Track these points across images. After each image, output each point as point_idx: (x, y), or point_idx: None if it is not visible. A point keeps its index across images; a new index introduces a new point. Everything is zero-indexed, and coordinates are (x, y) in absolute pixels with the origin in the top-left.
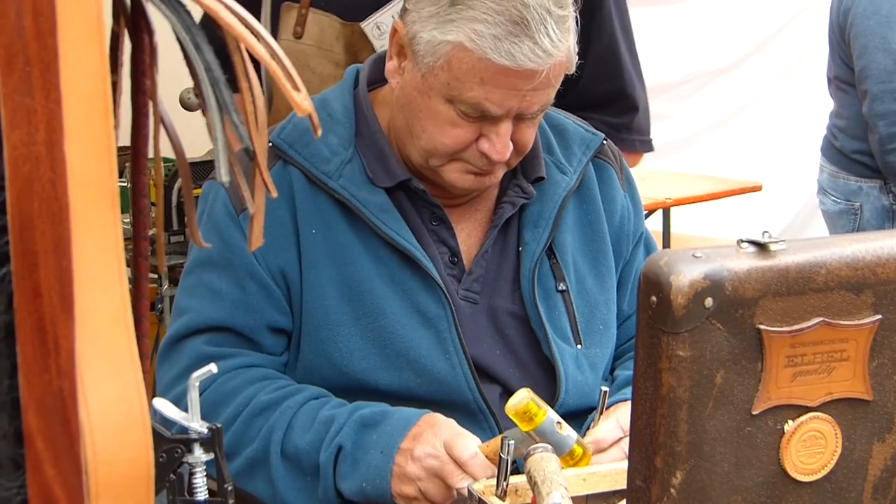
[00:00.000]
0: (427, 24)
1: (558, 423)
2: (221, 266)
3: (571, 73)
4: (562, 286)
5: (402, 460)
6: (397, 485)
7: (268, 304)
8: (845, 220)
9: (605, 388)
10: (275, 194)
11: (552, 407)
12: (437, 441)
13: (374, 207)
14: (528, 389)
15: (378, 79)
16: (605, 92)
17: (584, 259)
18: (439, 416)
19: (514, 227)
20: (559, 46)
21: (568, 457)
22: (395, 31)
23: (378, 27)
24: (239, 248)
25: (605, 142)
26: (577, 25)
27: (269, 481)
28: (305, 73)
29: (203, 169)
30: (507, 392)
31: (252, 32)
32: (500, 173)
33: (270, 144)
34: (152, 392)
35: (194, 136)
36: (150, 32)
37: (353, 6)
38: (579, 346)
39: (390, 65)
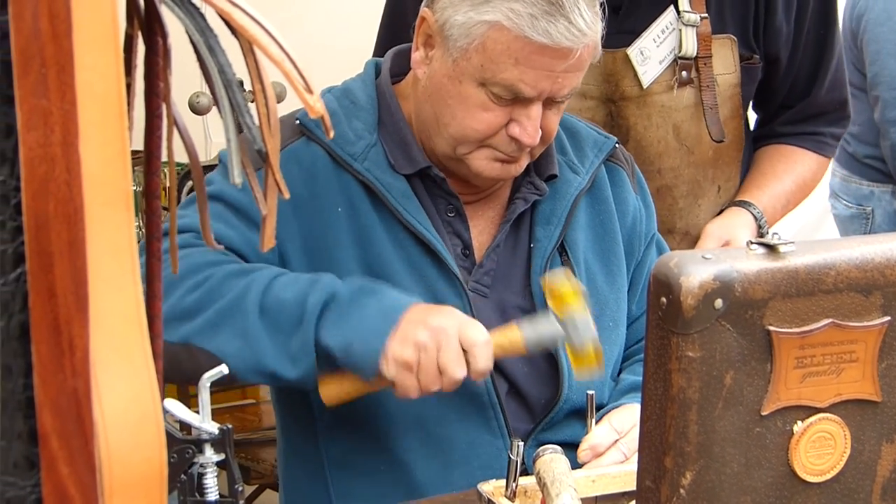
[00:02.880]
0: (461, 6)
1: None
2: (234, 208)
3: (596, 60)
4: None
5: (412, 325)
6: (396, 346)
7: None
8: (857, 224)
9: (590, 392)
10: (287, 196)
11: (554, 405)
12: (454, 321)
13: (396, 192)
14: (567, 270)
15: (398, 73)
16: (831, 101)
17: (595, 258)
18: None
19: (527, 224)
20: (592, 27)
21: (577, 354)
22: (422, 20)
23: (641, 52)
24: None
25: (617, 145)
26: (813, 35)
27: (237, 334)
28: None
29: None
30: (514, 388)
31: (267, 33)
32: (524, 162)
33: (297, 122)
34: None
35: (203, 140)
36: (164, 35)
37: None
38: None
39: (417, 55)
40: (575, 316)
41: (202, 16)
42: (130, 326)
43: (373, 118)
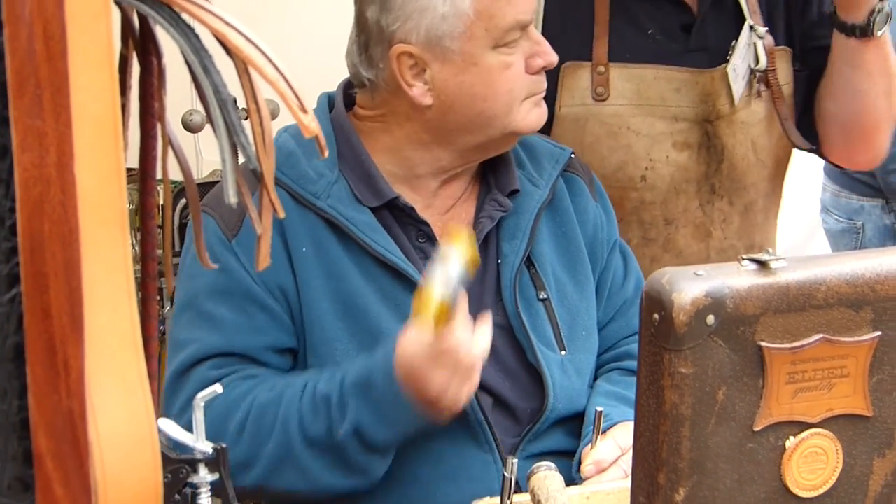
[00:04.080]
0: (432, 8)
1: (432, 275)
2: (219, 293)
3: None
4: (543, 295)
5: (429, 408)
6: (432, 412)
7: (271, 325)
8: (848, 238)
9: (600, 409)
10: (282, 215)
11: (541, 416)
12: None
13: (362, 225)
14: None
15: (350, 104)
16: None
17: (563, 268)
18: (396, 353)
19: (493, 241)
20: None
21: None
22: (399, 58)
23: (735, 69)
24: (237, 273)
25: (572, 155)
26: None
27: (299, 471)
28: (625, 137)
29: (205, 191)
30: (499, 401)
31: (261, 53)
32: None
33: (252, 170)
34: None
35: (195, 157)
36: (159, 55)
37: (666, 52)
38: (563, 353)
39: (415, 91)
40: (449, 266)
41: (197, 36)
42: (126, 347)
43: (332, 153)
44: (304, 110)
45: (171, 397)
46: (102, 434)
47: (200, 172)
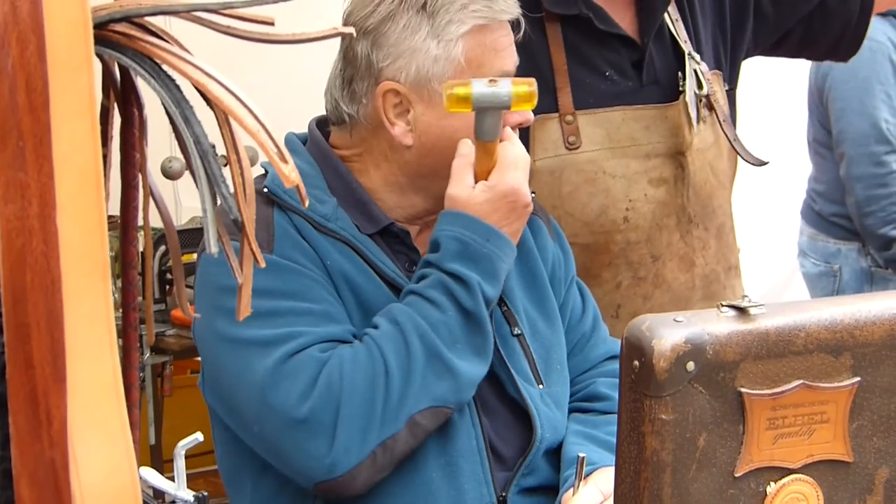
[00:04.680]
0: (421, 49)
1: (490, 80)
2: (290, 293)
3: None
4: (516, 331)
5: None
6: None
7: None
8: (825, 282)
9: (582, 455)
10: (263, 264)
11: (530, 449)
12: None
13: (370, 248)
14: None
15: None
16: None
17: (532, 304)
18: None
19: None
20: None
21: (519, 101)
22: (385, 95)
23: (691, 99)
24: (303, 270)
25: (533, 195)
26: None
27: (448, 371)
28: (602, 182)
29: (186, 237)
30: (488, 438)
31: (242, 104)
32: None
33: (266, 190)
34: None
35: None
36: (140, 107)
37: (625, 92)
38: (541, 387)
39: (397, 130)
40: (486, 95)
41: (178, 87)
42: (108, 397)
43: (323, 184)
44: (285, 160)
45: (280, 383)
46: (84, 484)
47: (179, 219)
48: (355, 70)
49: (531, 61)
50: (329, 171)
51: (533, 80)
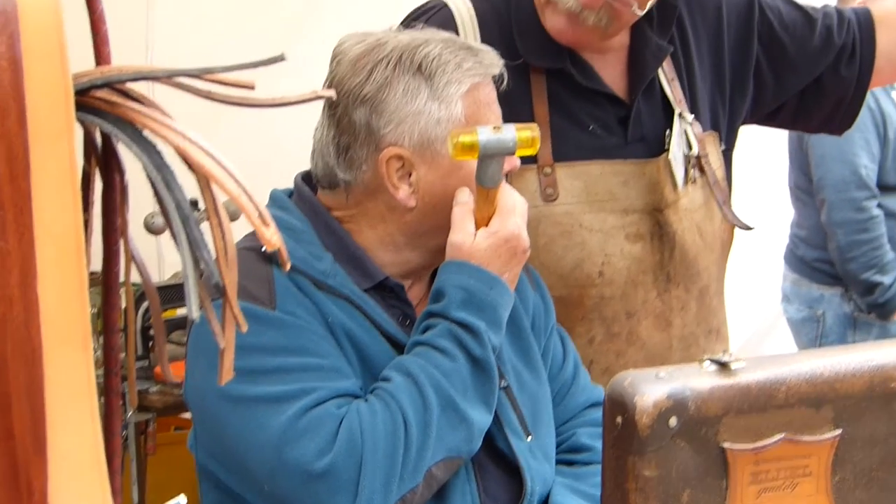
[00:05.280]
0: (424, 111)
1: (494, 127)
2: (301, 349)
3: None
4: (503, 383)
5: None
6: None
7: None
8: (808, 327)
9: None
10: (245, 328)
11: (521, 502)
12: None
13: (368, 304)
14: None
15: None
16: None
17: (517, 356)
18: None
19: None
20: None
21: (523, 146)
22: (389, 161)
23: (675, 157)
24: (309, 324)
25: None
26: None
27: (462, 421)
28: (578, 235)
29: (168, 293)
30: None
31: (222, 168)
32: None
33: (263, 250)
34: None
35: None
36: (121, 172)
37: (608, 146)
38: (529, 438)
39: (401, 193)
40: (492, 142)
41: (158, 153)
42: (90, 467)
43: (317, 240)
44: (266, 224)
45: (300, 439)
46: None
47: (162, 275)
48: (353, 137)
49: (513, 112)
50: (321, 227)
51: (535, 125)
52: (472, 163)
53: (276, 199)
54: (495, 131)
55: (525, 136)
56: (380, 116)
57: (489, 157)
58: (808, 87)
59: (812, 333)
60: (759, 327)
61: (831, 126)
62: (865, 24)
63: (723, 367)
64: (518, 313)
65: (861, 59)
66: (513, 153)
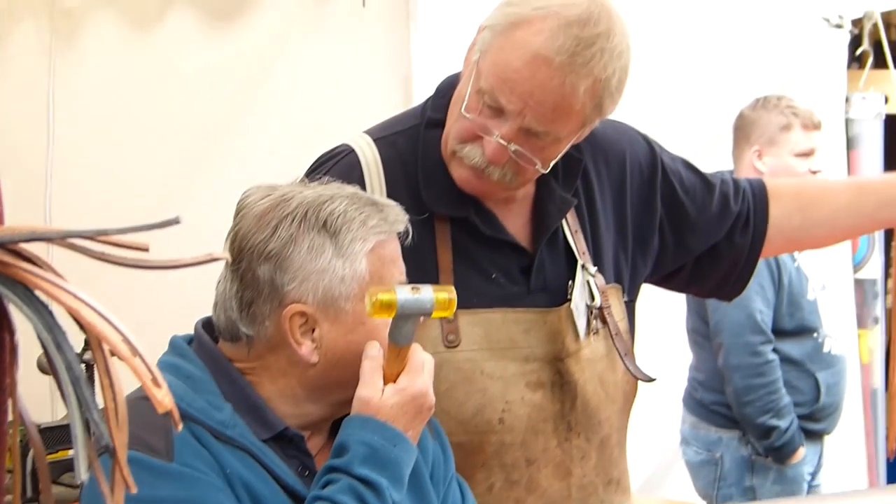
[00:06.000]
0: (331, 270)
1: (412, 287)
2: (195, 500)
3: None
4: None
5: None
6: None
7: None
8: (707, 470)
9: None
10: (134, 490)
11: None
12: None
13: (267, 455)
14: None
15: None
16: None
17: None
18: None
19: None
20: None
21: (440, 308)
22: (292, 317)
23: (577, 307)
24: (208, 479)
25: None
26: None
27: None
28: (480, 381)
29: (58, 434)
30: None
31: (115, 330)
32: None
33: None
34: None
35: (50, 399)
36: (12, 332)
37: (510, 295)
38: None
39: (304, 350)
40: (410, 302)
41: (50, 313)
42: None
43: (216, 389)
44: (158, 385)
45: None
46: None
47: (55, 414)
48: (256, 293)
49: (417, 260)
50: (221, 376)
51: (451, 287)
52: (375, 320)
53: (175, 347)
54: (413, 291)
55: (443, 297)
56: (284, 273)
57: (405, 316)
58: (703, 252)
59: (710, 476)
60: (657, 469)
61: (722, 292)
62: (759, 194)
63: None
64: (417, 463)
65: (754, 229)
66: (430, 315)
